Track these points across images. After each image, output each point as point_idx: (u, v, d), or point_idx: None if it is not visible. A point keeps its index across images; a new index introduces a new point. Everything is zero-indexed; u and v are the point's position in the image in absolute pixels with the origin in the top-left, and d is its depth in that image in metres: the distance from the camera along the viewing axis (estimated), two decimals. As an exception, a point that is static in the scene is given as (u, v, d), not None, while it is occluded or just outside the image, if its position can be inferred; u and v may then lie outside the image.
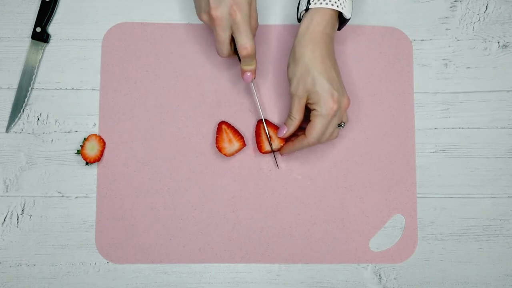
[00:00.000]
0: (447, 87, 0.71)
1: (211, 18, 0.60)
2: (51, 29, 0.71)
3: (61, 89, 0.70)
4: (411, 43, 0.71)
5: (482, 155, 0.70)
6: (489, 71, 0.71)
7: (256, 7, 0.63)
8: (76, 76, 0.71)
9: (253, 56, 0.63)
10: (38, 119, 0.70)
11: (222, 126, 0.68)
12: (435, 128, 0.70)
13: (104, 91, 0.70)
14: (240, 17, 0.60)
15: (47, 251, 0.69)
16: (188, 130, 0.70)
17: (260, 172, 0.69)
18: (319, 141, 0.64)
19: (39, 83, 0.70)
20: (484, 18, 0.72)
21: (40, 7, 0.70)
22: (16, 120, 0.69)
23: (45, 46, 0.71)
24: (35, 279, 0.68)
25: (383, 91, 0.70)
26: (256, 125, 0.69)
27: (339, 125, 0.65)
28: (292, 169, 0.69)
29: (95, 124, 0.70)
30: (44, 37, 0.70)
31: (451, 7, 0.72)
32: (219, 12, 0.60)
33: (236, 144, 0.68)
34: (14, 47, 0.71)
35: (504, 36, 0.71)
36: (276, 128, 0.68)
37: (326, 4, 0.62)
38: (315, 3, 0.62)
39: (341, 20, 0.65)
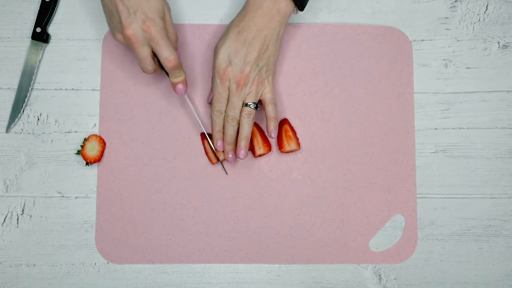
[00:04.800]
0: (447, 87, 0.71)
1: (125, 37, 0.59)
2: (51, 29, 0.71)
3: (61, 89, 0.70)
4: (411, 43, 0.71)
5: (482, 155, 0.70)
6: (489, 71, 0.71)
7: (171, 21, 0.62)
8: (76, 76, 0.70)
9: (179, 67, 0.62)
10: (38, 119, 0.70)
11: (204, 140, 0.69)
12: (435, 128, 0.70)
13: (104, 91, 0.70)
14: (155, 31, 0.59)
15: (47, 251, 0.69)
16: (188, 130, 0.70)
17: (260, 172, 0.69)
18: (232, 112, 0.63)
19: (39, 83, 0.70)
20: (484, 19, 0.72)
21: (40, 7, 0.70)
22: (16, 120, 0.69)
23: (45, 46, 0.71)
24: (35, 279, 0.68)
25: (383, 91, 0.70)
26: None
27: (251, 105, 0.64)
28: (292, 169, 0.69)
29: (95, 124, 0.70)
30: (44, 37, 0.70)
31: (451, 7, 0.72)
32: (132, 30, 0.59)
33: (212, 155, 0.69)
34: (14, 47, 0.71)
35: (504, 36, 0.71)
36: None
37: None
38: None
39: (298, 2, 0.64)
